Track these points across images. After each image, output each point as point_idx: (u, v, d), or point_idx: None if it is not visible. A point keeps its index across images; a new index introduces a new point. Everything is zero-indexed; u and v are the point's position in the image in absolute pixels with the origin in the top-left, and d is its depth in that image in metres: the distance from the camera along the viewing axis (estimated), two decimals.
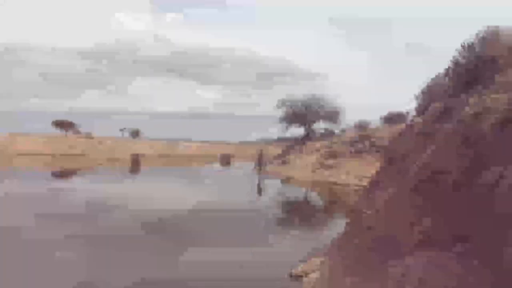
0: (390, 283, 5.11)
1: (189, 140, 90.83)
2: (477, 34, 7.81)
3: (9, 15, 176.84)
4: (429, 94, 9.87)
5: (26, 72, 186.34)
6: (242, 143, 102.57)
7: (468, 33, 8.03)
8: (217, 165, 53.69)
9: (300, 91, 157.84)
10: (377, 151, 30.12)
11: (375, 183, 8.68)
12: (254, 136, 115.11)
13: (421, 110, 9.83)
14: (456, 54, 8.26)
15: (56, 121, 76.08)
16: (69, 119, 77.87)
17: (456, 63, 8.14)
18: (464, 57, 8.01)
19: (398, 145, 8.84)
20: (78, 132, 75.23)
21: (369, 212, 7.11)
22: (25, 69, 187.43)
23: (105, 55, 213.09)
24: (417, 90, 10.59)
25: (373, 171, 10.26)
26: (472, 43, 7.85)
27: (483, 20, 7.95)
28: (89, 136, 72.25)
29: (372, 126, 47.94)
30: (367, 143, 34.24)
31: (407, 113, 37.83)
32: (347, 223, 8.83)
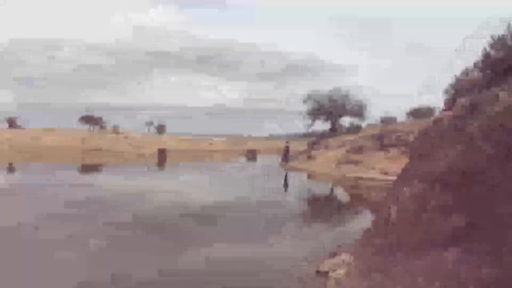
0: (420, 279, 5.01)
1: (210, 135, 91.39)
2: (508, 27, 7.59)
3: (22, 12, 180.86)
4: (458, 88, 9.66)
5: (40, 69, 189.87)
6: (266, 138, 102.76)
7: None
8: (242, 160, 53.81)
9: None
10: (403, 146, 29.80)
11: (401, 179, 8.54)
12: (267, 131, 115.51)
13: (449, 104, 9.63)
14: (487, 47, 8.05)
15: (83, 116, 77.16)
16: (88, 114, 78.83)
17: (487, 55, 7.93)
18: (495, 50, 7.79)
19: (424, 141, 8.66)
20: (104, 128, 76.14)
21: (395, 208, 6.99)
22: (37, 66, 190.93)
23: (119, 52, 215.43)
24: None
25: (400, 166, 10.09)
26: (503, 36, 7.63)
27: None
28: (115, 131, 73.01)
29: (398, 120, 47.62)
30: (393, 138, 33.86)
31: (434, 107, 37.45)
32: (374, 219, 8.71)
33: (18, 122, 76.53)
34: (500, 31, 7.57)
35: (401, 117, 50.29)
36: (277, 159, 48.26)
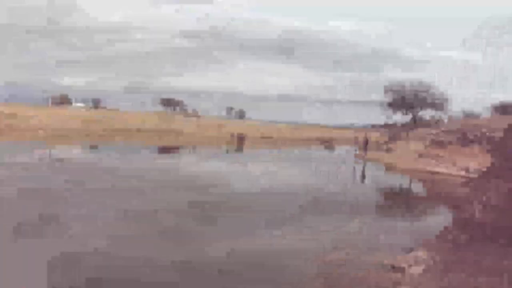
0: (505, 278, 5.08)
1: (285, 122, 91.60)
2: None
3: None
4: None
5: (128, 50, 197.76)
6: (344, 127, 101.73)
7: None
8: (321, 149, 53.89)
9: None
10: (487, 143, 28.78)
11: (486, 177, 8.40)
12: (344, 120, 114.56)
13: None
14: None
15: (163, 99, 79.62)
16: (169, 97, 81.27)
17: None
18: None
19: (510, 139, 8.53)
20: (185, 110, 78.21)
21: (480, 206, 6.94)
22: (126, 47, 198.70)
23: (201, 37, 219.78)
24: None
25: (482, 163, 9.96)
26: None
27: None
28: (195, 114, 74.80)
29: (482, 116, 45.84)
30: (476, 134, 32.73)
31: None
32: (455, 217, 8.65)
33: (102, 104, 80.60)
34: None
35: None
36: (354, 149, 47.85)
